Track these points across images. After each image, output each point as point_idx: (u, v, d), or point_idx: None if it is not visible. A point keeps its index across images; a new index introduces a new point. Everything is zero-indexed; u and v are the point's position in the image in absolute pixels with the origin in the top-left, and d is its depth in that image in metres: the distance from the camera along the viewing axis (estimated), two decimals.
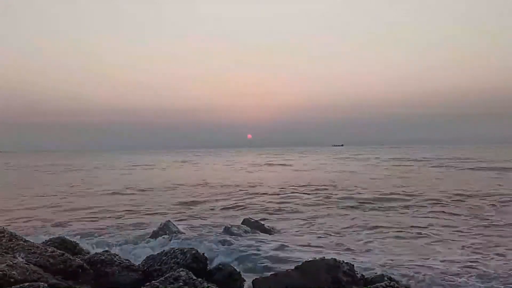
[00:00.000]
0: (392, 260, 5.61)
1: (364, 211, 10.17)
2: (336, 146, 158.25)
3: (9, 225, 8.21)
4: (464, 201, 11.22)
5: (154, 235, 7.12)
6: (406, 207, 10.53)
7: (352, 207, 10.76)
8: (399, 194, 13.00)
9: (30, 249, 4.28)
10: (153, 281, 3.79)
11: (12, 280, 3.49)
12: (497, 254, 5.84)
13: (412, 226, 8.01)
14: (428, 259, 5.66)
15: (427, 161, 34.58)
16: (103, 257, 4.55)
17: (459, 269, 5.11)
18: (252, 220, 8.01)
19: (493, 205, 10.41)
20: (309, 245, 6.68)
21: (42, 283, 3.44)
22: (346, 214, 9.66)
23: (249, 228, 7.43)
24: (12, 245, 4.31)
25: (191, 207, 11.40)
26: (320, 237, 7.35)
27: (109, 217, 9.80)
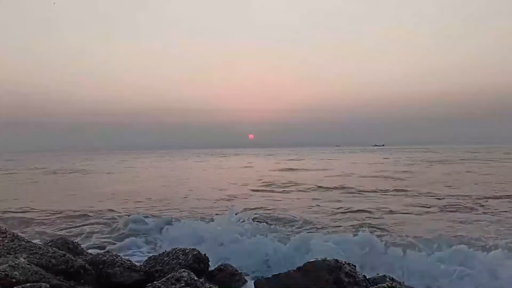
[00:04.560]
0: None
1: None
2: (376, 146, 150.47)
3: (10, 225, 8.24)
4: None
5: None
6: None
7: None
8: None
9: (32, 250, 4.28)
10: (155, 282, 3.79)
11: (14, 280, 3.50)
12: None
13: None
14: None
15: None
16: (104, 258, 4.55)
17: None
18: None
19: None
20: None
21: (44, 284, 3.44)
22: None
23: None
24: (14, 246, 4.32)
25: (191, 208, 11.39)
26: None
27: (110, 218, 9.79)
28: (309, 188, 15.61)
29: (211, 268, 4.73)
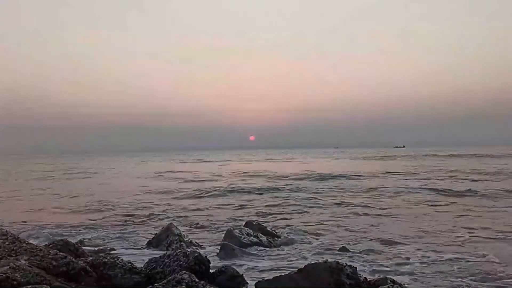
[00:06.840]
0: None
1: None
2: (397, 147, 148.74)
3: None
4: None
5: (157, 237, 7.12)
6: None
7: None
8: None
9: (33, 252, 4.28)
10: (155, 284, 3.79)
11: (15, 282, 3.50)
12: None
13: None
14: None
15: None
16: (105, 260, 4.54)
17: None
18: (255, 223, 7.99)
19: None
20: (311, 248, 6.67)
21: (45, 286, 3.45)
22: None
23: (251, 231, 7.41)
24: (15, 248, 4.31)
25: (191, 209, 11.40)
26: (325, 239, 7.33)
27: (111, 219, 9.80)
28: None
29: (212, 270, 4.72)
